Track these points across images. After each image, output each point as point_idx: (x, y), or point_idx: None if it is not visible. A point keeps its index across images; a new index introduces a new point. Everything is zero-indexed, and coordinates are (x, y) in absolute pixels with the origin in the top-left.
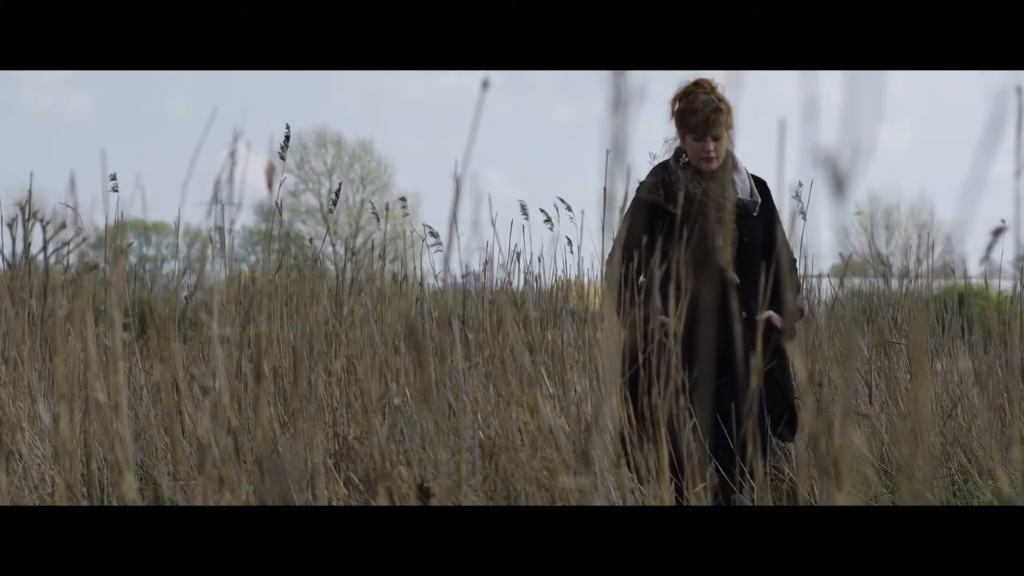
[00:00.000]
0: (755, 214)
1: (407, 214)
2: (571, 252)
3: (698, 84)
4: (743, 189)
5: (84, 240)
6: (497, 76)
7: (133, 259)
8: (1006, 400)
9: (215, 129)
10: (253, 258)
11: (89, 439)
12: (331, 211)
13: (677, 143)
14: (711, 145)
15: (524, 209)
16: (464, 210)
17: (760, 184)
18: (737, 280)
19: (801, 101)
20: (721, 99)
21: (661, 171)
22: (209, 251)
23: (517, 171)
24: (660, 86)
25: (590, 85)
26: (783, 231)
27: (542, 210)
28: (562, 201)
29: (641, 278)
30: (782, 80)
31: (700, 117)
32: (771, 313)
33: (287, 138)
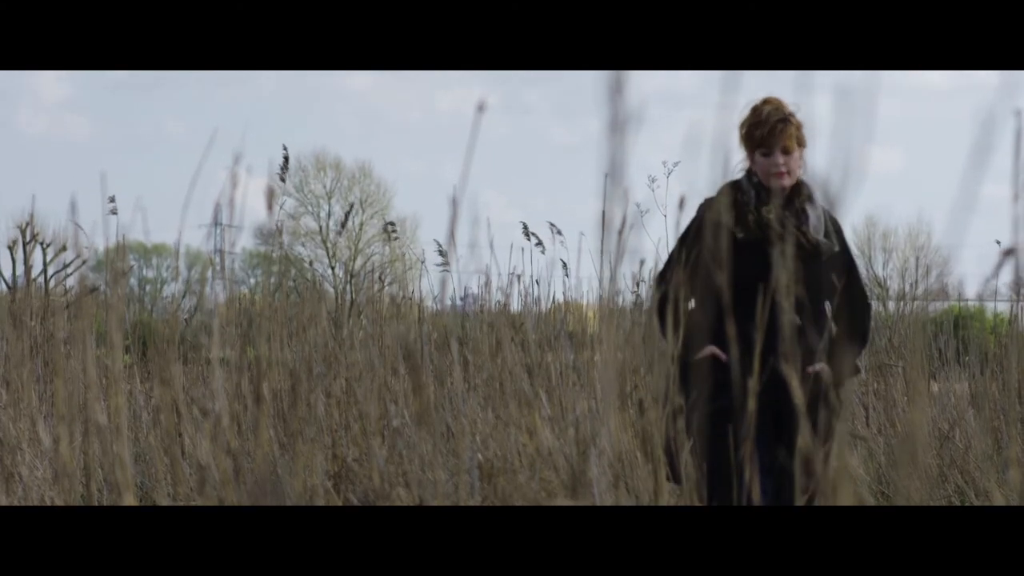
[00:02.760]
0: (823, 259)
1: (396, 238)
2: (566, 275)
3: (766, 101)
4: (817, 228)
5: (84, 262)
6: (493, 98)
7: (133, 281)
8: (1003, 422)
9: (214, 152)
10: (253, 280)
11: (89, 461)
12: (339, 233)
13: (747, 164)
14: (781, 159)
15: (526, 229)
16: (462, 233)
17: (834, 221)
18: (796, 320)
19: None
20: (791, 114)
21: (732, 190)
22: (209, 273)
23: (515, 193)
24: (657, 109)
25: (587, 107)
26: (858, 273)
27: (533, 234)
28: (552, 226)
29: (691, 303)
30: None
31: (766, 128)
32: (822, 366)
33: (286, 159)
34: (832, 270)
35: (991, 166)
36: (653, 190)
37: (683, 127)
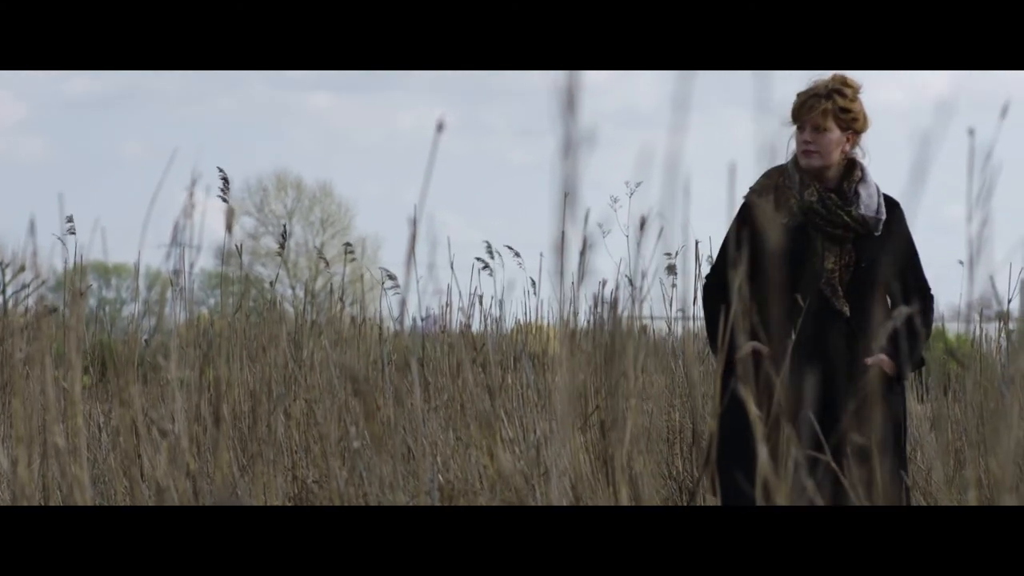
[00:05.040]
0: (877, 233)
1: (354, 259)
2: (534, 294)
3: (833, 77)
4: (868, 205)
5: (43, 283)
6: (453, 117)
7: (93, 302)
8: (964, 443)
9: (172, 172)
10: (213, 301)
11: (48, 483)
12: (279, 254)
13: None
14: (809, 136)
15: (490, 248)
16: (421, 253)
17: (891, 204)
18: (846, 311)
19: (755, 145)
20: (838, 91)
21: (776, 174)
22: (168, 294)
23: (475, 213)
24: (612, 129)
25: (546, 126)
26: (917, 261)
27: (478, 258)
28: (510, 248)
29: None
30: (735, 122)
31: (798, 101)
32: (882, 358)
33: (225, 180)
34: (890, 253)
35: (948, 186)
36: (615, 210)
37: (640, 147)
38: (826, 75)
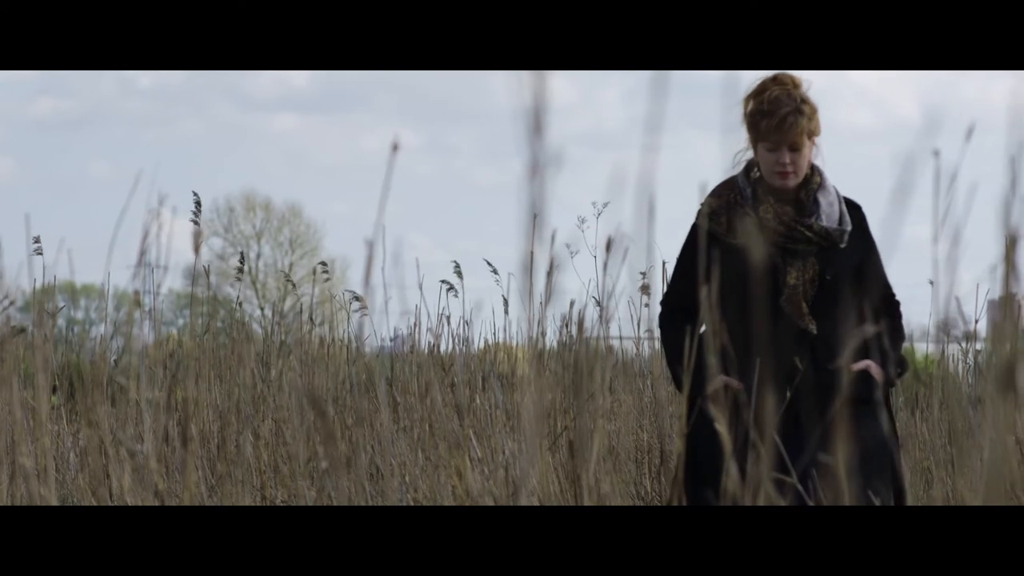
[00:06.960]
0: (842, 245)
1: (328, 279)
2: (505, 313)
3: (776, 80)
4: (829, 215)
5: (11, 304)
6: (420, 139)
7: (61, 322)
8: (932, 463)
9: (139, 193)
10: (181, 321)
11: (16, 503)
12: (239, 279)
13: (748, 154)
14: (787, 157)
15: (458, 268)
16: (388, 274)
17: (853, 208)
18: (814, 329)
19: (723, 164)
20: (804, 100)
21: (726, 191)
22: (136, 314)
23: (443, 234)
24: (578, 149)
25: (512, 148)
26: (881, 267)
27: (443, 281)
28: (487, 263)
29: (703, 327)
30: (703, 143)
31: (774, 120)
32: (869, 363)
33: (198, 204)
34: (854, 263)
35: (915, 207)
36: (583, 231)
37: (609, 168)
38: (763, 77)
